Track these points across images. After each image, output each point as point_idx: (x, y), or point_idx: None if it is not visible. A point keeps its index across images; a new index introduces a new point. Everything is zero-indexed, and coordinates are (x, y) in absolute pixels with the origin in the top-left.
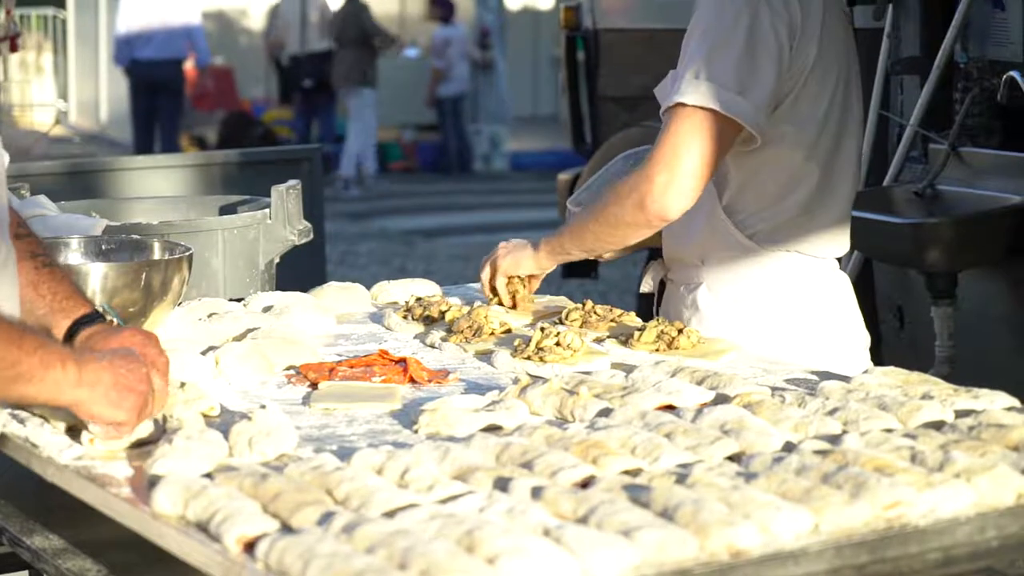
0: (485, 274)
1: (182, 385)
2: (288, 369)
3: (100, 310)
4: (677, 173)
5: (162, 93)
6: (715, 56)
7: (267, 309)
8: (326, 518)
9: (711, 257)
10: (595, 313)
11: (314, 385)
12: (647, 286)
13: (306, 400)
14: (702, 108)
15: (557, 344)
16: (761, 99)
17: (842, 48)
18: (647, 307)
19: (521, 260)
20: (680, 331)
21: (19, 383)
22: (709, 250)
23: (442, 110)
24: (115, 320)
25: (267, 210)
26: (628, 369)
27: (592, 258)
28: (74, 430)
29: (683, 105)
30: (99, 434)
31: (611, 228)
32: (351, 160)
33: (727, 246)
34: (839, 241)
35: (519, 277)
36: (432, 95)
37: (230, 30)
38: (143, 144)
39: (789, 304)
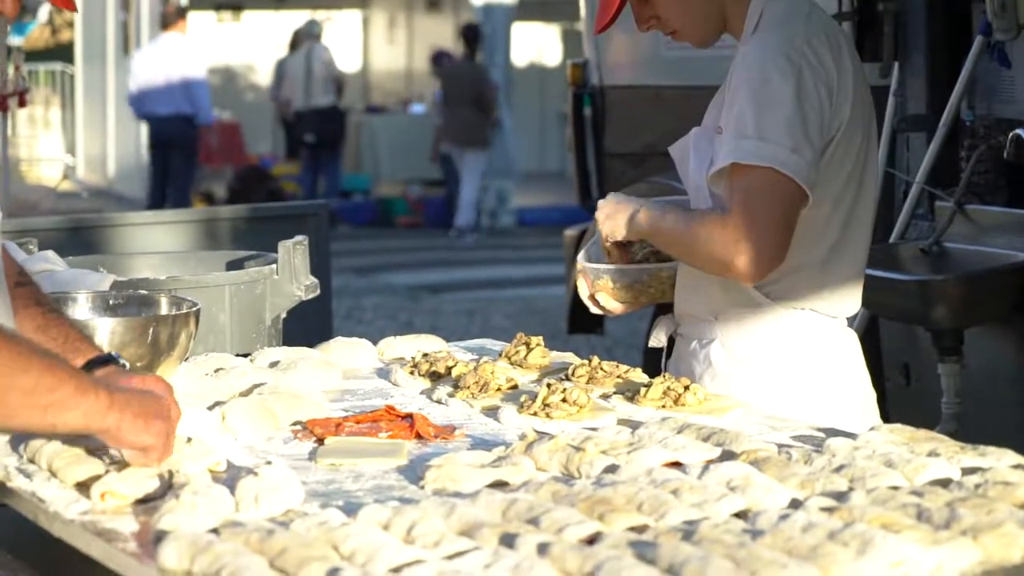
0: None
1: (188, 440)
2: (294, 425)
3: (112, 355)
4: (763, 244)
5: (174, 149)
6: (766, 116)
7: (274, 364)
8: (332, 573)
9: (725, 313)
10: (601, 369)
11: (320, 440)
12: (657, 341)
13: (312, 455)
14: (760, 167)
15: (563, 400)
16: (812, 157)
17: (867, 106)
18: (654, 363)
19: (618, 227)
20: (687, 388)
21: (53, 410)
22: (723, 306)
23: (447, 166)
24: (126, 365)
25: (274, 266)
26: (634, 425)
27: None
28: (82, 485)
29: (739, 166)
30: (131, 459)
31: (690, 259)
32: (468, 210)
33: (741, 303)
34: (852, 299)
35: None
36: (435, 152)
37: (236, 86)
38: (156, 200)
39: (802, 362)
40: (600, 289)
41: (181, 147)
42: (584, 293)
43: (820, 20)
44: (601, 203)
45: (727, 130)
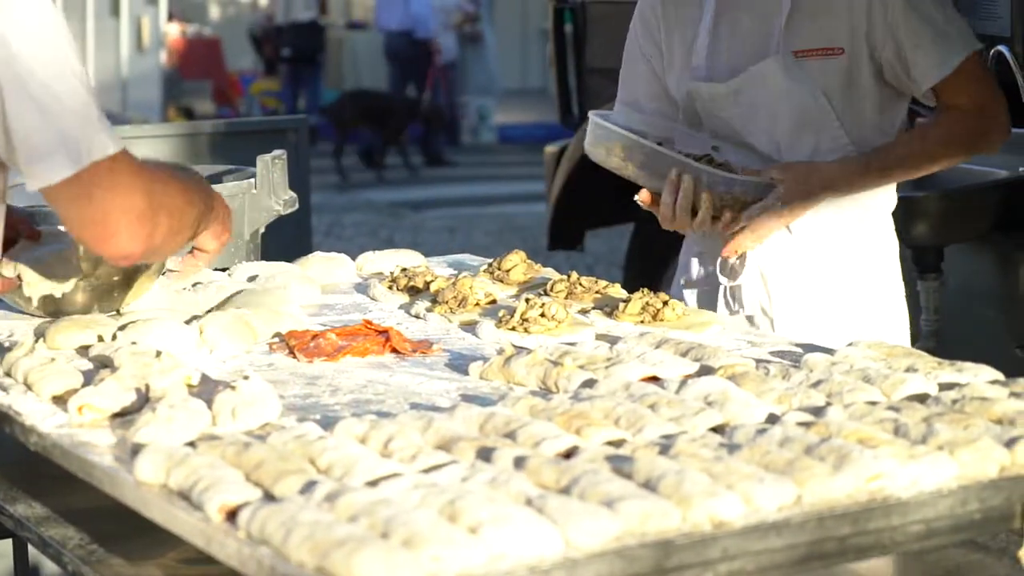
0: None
1: (158, 355)
2: (273, 338)
3: None
4: (1002, 107)
5: (401, 64)
6: (943, 10)
7: (252, 279)
8: (309, 487)
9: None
10: (580, 284)
11: (292, 352)
12: (732, 276)
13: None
14: (971, 53)
15: (542, 315)
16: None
17: None
18: (633, 279)
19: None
20: (665, 303)
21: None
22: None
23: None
24: None
25: (252, 180)
26: (612, 340)
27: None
28: (59, 399)
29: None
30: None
31: (950, 157)
32: None
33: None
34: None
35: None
36: None
37: (217, 0)
38: None
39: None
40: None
41: (405, 62)
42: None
43: None
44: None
45: (922, 40)
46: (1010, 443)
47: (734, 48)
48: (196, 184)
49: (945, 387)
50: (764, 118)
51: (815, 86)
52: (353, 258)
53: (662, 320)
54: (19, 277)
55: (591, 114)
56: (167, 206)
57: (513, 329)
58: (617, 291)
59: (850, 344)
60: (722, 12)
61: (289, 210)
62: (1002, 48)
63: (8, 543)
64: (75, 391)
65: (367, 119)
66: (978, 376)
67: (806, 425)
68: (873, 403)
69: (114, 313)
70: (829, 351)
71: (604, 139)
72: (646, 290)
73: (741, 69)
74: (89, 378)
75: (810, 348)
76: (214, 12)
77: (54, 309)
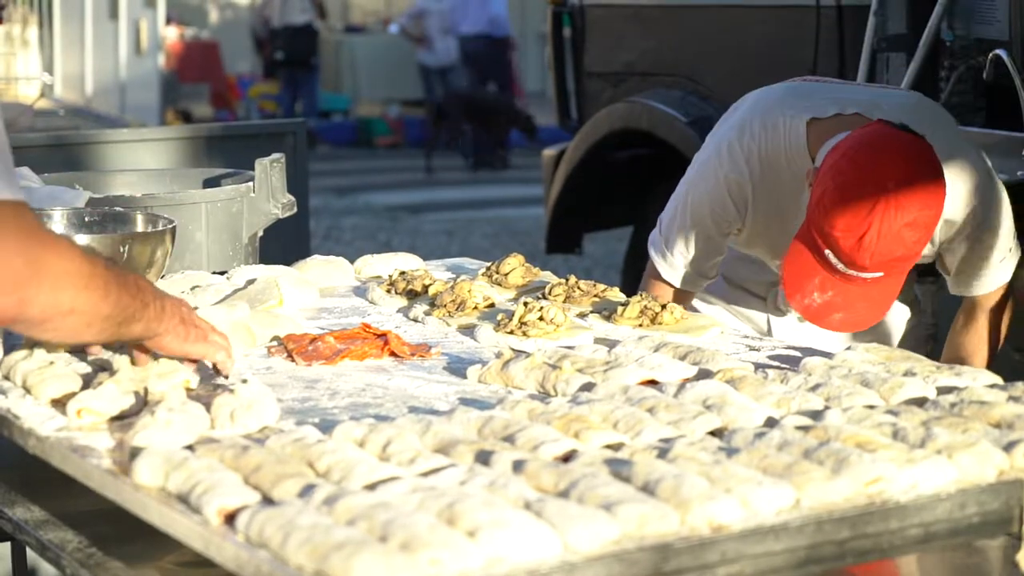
0: None
1: (156, 358)
2: (272, 342)
3: None
4: None
5: (479, 65)
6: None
7: (250, 282)
8: (307, 490)
9: None
10: (578, 288)
11: (290, 355)
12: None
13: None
14: None
15: (540, 319)
16: None
17: None
18: (631, 282)
19: None
20: (664, 307)
21: (125, 327)
22: None
23: (429, 82)
24: None
25: (251, 183)
26: (611, 344)
27: None
28: (57, 402)
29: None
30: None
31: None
32: None
33: None
34: None
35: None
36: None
37: (215, 3)
38: None
39: None
40: None
41: (486, 63)
42: None
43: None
44: None
45: (990, 259)
46: (1008, 447)
47: None
48: (120, 279)
49: (943, 391)
50: None
51: None
52: (351, 261)
53: (660, 324)
54: None
55: None
56: (54, 278)
57: (511, 333)
58: (615, 295)
59: (848, 348)
60: None
61: (288, 213)
62: (1000, 52)
63: (7, 546)
64: (74, 394)
65: (473, 119)
66: (976, 380)
67: (804, 429)
68: (871, 407)
69: None
70: (827, 355)
71: None
72: (644, 293)
73: None
74: (88, 381)
75: (808, 352)
76: (212, 15)
77: None
